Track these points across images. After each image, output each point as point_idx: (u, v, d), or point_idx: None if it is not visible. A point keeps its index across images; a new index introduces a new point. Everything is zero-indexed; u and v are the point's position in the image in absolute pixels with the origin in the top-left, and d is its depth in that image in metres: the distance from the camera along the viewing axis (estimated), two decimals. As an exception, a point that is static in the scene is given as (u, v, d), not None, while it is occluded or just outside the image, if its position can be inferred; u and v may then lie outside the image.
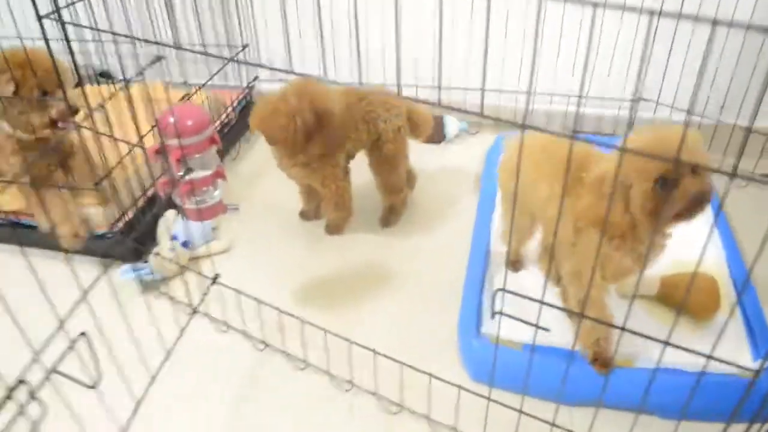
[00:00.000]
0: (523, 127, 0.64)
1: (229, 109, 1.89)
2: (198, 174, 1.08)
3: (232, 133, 1.91)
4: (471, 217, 1.54)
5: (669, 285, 1.24)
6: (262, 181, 1.80)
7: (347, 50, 1.93)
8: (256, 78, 2.05)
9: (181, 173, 1.05)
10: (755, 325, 1.19)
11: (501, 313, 0.85)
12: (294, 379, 1.19)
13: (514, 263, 1.37)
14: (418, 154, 1.67)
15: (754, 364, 1.12)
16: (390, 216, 1.61)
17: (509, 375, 1.04)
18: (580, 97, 0.73)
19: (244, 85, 2.00)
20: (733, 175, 0.52)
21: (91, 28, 1.12)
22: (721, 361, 0.77)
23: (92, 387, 0.76)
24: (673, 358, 1.10)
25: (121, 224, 1.42)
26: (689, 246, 1.35)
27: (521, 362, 1.08)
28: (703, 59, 1.36)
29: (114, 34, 0.95)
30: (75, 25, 1.09)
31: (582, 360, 1.12)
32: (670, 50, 1.68)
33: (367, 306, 1.36)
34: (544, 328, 0.78)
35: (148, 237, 1.46)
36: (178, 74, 2.00)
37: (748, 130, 1.28)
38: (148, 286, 1.39)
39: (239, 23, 1.93)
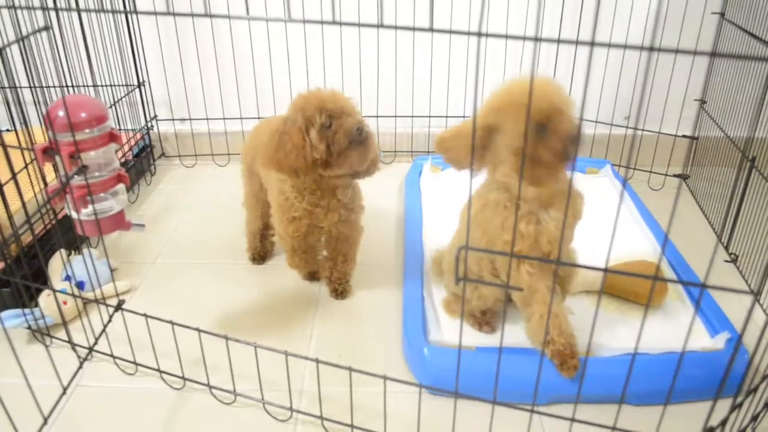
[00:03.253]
0: (479, 34, 0.57)
1: (126, 148, 1.72)
2: (94, 175, 0.92)
3: (129, 174, 1.73)
4: (397, 240, 1.49)
5: (614, 275, 1.21)
6: (165, 222, 1.63)
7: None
8: (154, 117, 1.90)
9: (73, 172, 0.89)
10: (704, 305, 1.17)
11: (465, 279, 0.75)
12: (221, 417, 1.01)
13: None
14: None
15: (714, 340, 1.08)
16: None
17: (468, 378, 0.93)
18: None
19: (141, 126, 1.85)
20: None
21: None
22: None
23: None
24: (633, 344, 1.04)
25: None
26: (621, 242, 1.36)
27: (478, 364, 1.01)
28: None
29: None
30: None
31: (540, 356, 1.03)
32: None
33: (297, 332, 1.21)
34: (518, 288, 0.69)
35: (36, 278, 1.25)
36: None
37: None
38: (35, 333, 1.17)
39: (134, 61, 1.80)
